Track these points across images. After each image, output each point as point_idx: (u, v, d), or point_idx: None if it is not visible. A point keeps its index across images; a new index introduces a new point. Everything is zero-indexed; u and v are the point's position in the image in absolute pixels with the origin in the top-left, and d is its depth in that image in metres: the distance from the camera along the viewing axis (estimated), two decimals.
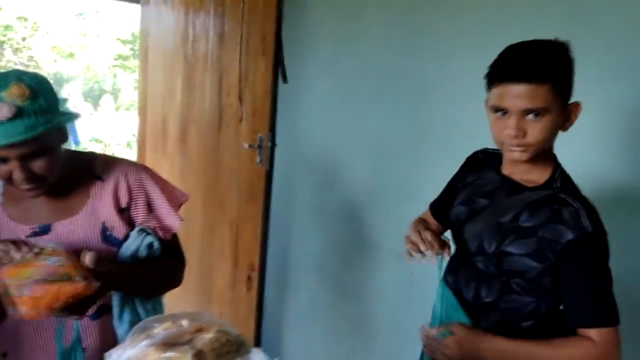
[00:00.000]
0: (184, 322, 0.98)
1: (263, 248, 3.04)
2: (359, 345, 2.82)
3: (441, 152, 2.45)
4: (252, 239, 2.94)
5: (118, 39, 10.62)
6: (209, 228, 2.97)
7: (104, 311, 1.30)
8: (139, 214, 1.34)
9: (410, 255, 1.40)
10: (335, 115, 2.82)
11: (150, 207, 1.34)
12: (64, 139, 1.23)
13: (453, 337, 1.31)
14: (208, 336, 0.95)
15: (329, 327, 2.90)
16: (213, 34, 2.91)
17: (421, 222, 1.54)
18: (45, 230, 1.24)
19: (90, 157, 1.37)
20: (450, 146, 2.39)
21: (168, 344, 0.93)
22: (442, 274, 1.41)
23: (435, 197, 1.69)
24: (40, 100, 1.13)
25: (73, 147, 6.52)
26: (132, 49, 9.97)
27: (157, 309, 1.38)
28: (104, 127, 9.07)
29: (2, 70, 1.19)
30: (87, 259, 1.10)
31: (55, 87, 1.22)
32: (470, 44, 2.24)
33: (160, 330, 0.96)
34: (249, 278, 2.94)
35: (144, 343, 0.93)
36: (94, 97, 10.31)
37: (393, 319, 2.66)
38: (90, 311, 1.17)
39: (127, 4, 3.78)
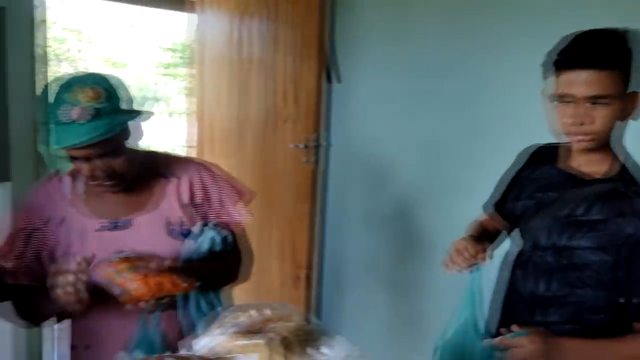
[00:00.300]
0: (267, 311, 1.02)
1: (313, 247, 3.07)
2: (415, 344, 2.80)
3: (495, 149, 2.42)
4: (303, 238, 2.98)
5: (165, 48, 10.89)
6: (262, 227, 3.02)
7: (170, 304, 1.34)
8: (207, 209, 1.38)
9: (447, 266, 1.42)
10: (387, 114, 2.83)
11: (218, 203, 1.39)
12: (128, 136, 1.29)
13: (532, 333, 1.28)
14: (291, 324, 0.99)
15: (384, 326, 2.90)
16: (265, 38, 2.97)
17: (473, 228, 1.57)
18: (117, 225, 1.30)
19: (153, 155, 1.43)
20: (505, 143, 2.35)
21: (252, 332, 0.97)
22: (474, 284, 1.41)
23: (492, 194, 1.68)
24: (113, 102, 1.20)
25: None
26: (181, 57, 10.20)
27: (216, 302, 1.42)
28: (152, 134, 9.32)
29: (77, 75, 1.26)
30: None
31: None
32: (526, 38, 2.22)
33: (243, 319, 1.01)
34: (299, 277, 2.97)
35: (230, 330, 0.97)
36: (142, 105, 10.63)
37: (449, 317, 2.65)
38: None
39: (175, 12, 3.89)
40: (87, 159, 1.20)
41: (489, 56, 2.43)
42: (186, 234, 1.34)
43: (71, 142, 1.14)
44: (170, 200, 1.34)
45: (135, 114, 1.26)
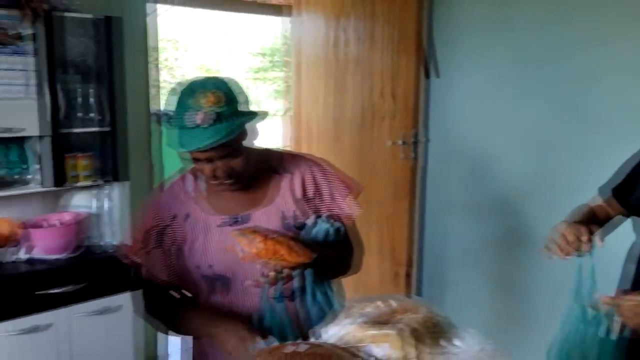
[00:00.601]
0: (393, 303, 1.01)
1: (413, 244, 3.04)
2: (522, 343, 2.70)
3: (608, 140, 2.29)
4: (402, 235, 2.96)
5: (255, 53, 11.25)
6: (360, 225, 3.02)
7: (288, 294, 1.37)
8: (319, 203, 1.41)
9: (549, 250, 1.32)
10: (489, 107, 2.75)
11: (329, 198, 1.42)
12: (246, 137, 1.32)
13: None
14: (418, 316, 0.98)
15: (489, 325, 2.81)
16: (362, 36, 2.98)
17: (580, 214, 1.46)
18: (238, 220, 1.33)
19: (268, 152, 1.47)
20: (619, 134, 2.22)
21: (380, 322, 0.97)
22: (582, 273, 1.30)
23: (611, 178, 1.57)
24: (233, 105, 1.24)
25: None
26: (270, 61, 10.49)
27: (330, 293, 1.43)
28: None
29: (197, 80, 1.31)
30: None
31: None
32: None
33: (371, 309, 1.01)
34: (399, 274, 2.95)
35: (359, 320, 0.98)
36: None
37: (558, 316, 2.52)
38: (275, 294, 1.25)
39: (265, 17, 4.00)
40: (208, 160, 1.25)
41: (602, 41, 2.28)
42: (300, 228, 1.36)
43: (196, 146, 1.19)
44: (285, 195, 1.38)
45: (252, 115, 1.29)
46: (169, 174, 2.89)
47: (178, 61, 10.85)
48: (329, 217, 1.38)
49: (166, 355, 3.06)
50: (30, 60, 2.19)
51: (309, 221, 1.36)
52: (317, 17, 3.22)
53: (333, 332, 0.99)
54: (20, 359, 2.18)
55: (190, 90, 1.23)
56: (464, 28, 2.79)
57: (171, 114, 1.26)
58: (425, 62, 2.86)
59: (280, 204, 1.37)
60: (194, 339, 1.44)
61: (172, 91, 1.29)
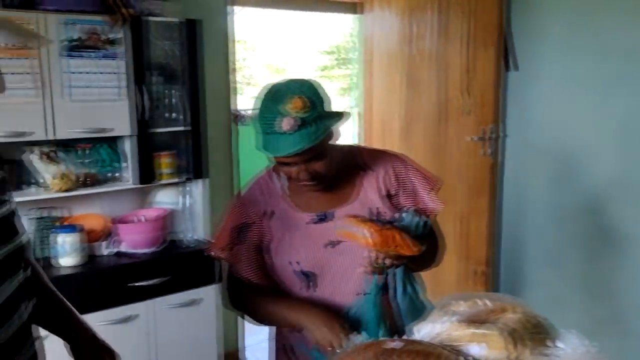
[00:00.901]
0: (487, 301, 0.99)
1: (492, 243, 2.95)
2: (609, 347, 2.57)
3: None
4: (481, 233, 2.88)
5: (322, 51, 11.29)
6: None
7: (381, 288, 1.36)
8: (404, 199, 1.40)
9: None
10: (572, 101, 2.63)
11: (413, 193, 1.41)
12: (331, 138, 1.32)
13: None
14: (517, 316, 0.94)
15: (572, 328, 2.69)
16: (436, 30, 2.93)
17: None
18: (327, 216, 1.33)
19: (354, 149, 1.47)
20: None
21: (477, 321, 0.95)
22: None
23: None
24: (317, 108, 1.23)
25: None
26: (337, 59, 10.52)
27: (417, 287, 1.42)
28: None
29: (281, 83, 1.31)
30: None
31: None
32: None
33: (466, 307, 0.99)
34: (476, 273, 2.88)
35: (453, 318, 0.96)
36: None
37: None
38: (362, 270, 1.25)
39: (331, 15, 4.01)
40: (293, 163, 1.26)
41: None
42: (386, 223, 1.35)
43: (282, 152, 1.20)
44: (371, 191, 1.37)
45: (336, 116, 1.29)
46: (244, 171, 2.98)
47: (246, 61, 11.10)
48: (416, 211, 1.37)
49: (244, 347, 3.14)
50: (120, 64, 2.30)
51: (399, 215, 1.35)
52: (389, 13, 3.20)
53: (428, 330, 0.98)
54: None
55: (275, 95, 1.23)
56: (546, 18, 2.68)
57: (256, 117, 1.27)
58: (505, 55, 2.77)
59: (366, 200, 1.36)
60: (277, 331, 1.45)
61: (257, 96, 1.30)
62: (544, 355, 0.87)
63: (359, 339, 1.04)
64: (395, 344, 0.91)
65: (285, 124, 1.19)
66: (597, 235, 2.56)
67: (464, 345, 0.91)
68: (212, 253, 1.40)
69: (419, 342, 0.92)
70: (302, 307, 1.29)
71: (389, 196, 1.38)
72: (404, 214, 1.35)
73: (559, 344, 0.85)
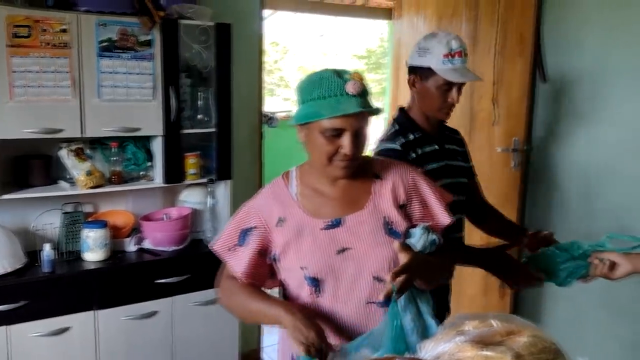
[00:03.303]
0: (494, 323, 0.98)
1: (517, 256, 2.90)
2: None
3: None
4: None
5: (354, 55, 11.28)
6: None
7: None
8: (415, 210, 1.40)
9: None
10: (603, 115, 2.56)
11: (425, 205, 1.41)
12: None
13: None
14: (523, 339, 0.93)
15: (596, 347, 2.63)
16: (465, 39, 2.89)
17: None
18: (337, 223, 1.33)
19: (368, 158, 1.46)
20: None
21: (482, 342, 0.94)
22: None
23: None
24: (368, 86, 1.30)
25: None
26: (367, 64, 10.52)
27: (431, 303, 1.41)
28: None
29: None
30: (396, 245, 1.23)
31: None
32: None
33: (471, 328, 0.98)
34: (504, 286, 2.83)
35: (457, 339, 0.95)
36: None
37: None
38: (381, 297, 1.21)
39: (366, 21, 4.01)
40: (340, 133, 1.25)
41: None
42: (403, 234, 1.36)
43: (350, 110, 1.22)
44: (383, 200, 1.38)
45: (377, 108, 1.33)
46: (269, 173, 3.00)
47: (278, 63, 11.17)
48: (426, 228, 1.36)
49: (262, 347, 3.16)
50: (152, 65, 2.35)
51: (415, 231, 1.35)
52: (418, 20, 3.18)
53: (432, 349, 0.97)
54: (129, 342, 2.35)
55: (328, 71, 1.29)
56: (578, 30, 2.62)
57: (305, 85, 1.31)
58: (535, 66, 2.72)
59: (377, 208, 1.37)
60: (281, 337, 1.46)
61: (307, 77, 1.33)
62: None
63: (345, 348, 1.05)
64: None
65: (351, 87, 1.23)
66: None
67: None
68: (213, 249, 1.41)
69: None
70: (284, 304, 1.29)
71: (401, 206, 1.39)
72: (413, 230, 1.35)
73: None
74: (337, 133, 1.25)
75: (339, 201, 1.37)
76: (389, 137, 1.75)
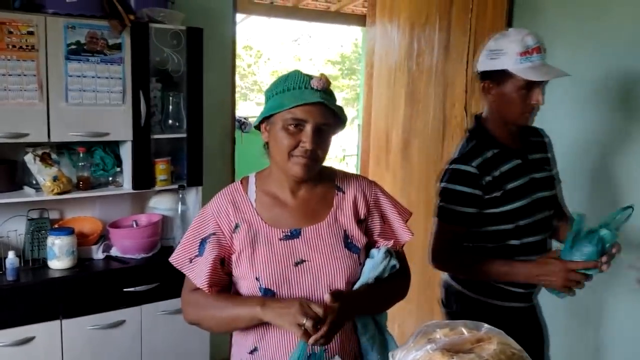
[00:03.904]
0: (464, 330, 0.98)
1: None
2: None
3: None
4: None
5: (328, 61, 11.34)
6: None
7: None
8: (376, 225, 1.39)
9: None
10: (572, 124, 2.62)
11: (385, 220, 1.40)
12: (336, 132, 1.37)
13: None
14: (492, 347, 0.94)
15: (563, 352, 2.67)
16: (438, 47, 2.94)
17: None
18: (296, 234, 1.31)
19: (331, 170, 1.44)
20: None
21: (452, 350, 0.94)
22: None
23: None
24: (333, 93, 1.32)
25: None
26: (341, 69, 10.57)
27: (383, 318, 1.43)
28: None
29: None
30: (327, 298, 1.19)
31: None
32: None
33: (441, 335, 0.98)
34: None
35: (428, 347, 0.95)
36: None
37: (636, 352, 2.36)
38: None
39: (337, 27, 4.03)
40: (301, 124, 1.24)
41: None
42: (363, 249, 1.35)
43: (311, 99, 1.22)
44: (343, 213, 1.36)
45: (344, 116, 1.33)
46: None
47: (251, 67, 11.14)
48: (388, 252, 1.35)
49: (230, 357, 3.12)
50: (121, 69, 2.31)
51: (377, 254, 1.33)
52: (391, 27, 3.21)
53: (400, 356, 0.97)
54: (96, 352, 2.29)
55: (296, 70, 1.32)
56: (548, 40, 2.65)
57: (273, 84, 1.32)
58: None
59: (336, 221, 1.35)
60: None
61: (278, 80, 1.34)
62: None
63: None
64: None
65: (316, 82, 1.26)
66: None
67: None
68: (172, 262, 1.37)
69: None
70: (256, 300, 1.25)
71: (361, 221, 1.38)
72: (374, 251, 1.35)
73: None
74: (298, 124, 1.24)
75: (299, 211, 1.35)
76: (464, 156, 1.64)
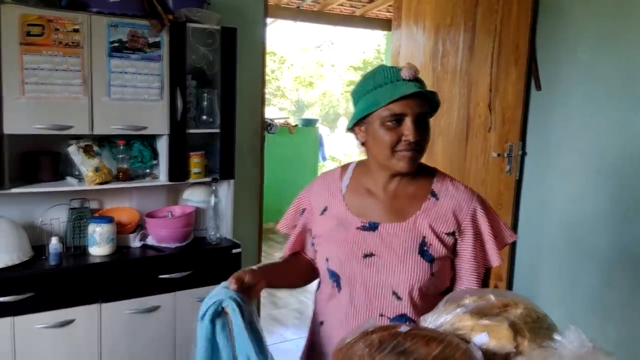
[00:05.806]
0: (492, 297, 1.05)
1: (512, 259, 2.99)
2: None
3: None
4: (502, 252, 2.92)
5: (350, 66, 11.42)
6: None
7: None
8: (465, 242, 1.30)
9: None
10: (594, 122, 2.66)
11: (476, 240, 1.31)
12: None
13: None
14: (519, 311, 1.00)
15: None
16: (463, 48, 3.00)
17: None
18: (373, 227, 1.30)
19: (432, 171, 1.37)
20: None
21: (481, 313, 1.01)
22: None
23: None
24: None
25: (320, 163, 6.95)
26: (362, 75, 10.66)
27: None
28: (339, 147, 9.88)
29: None
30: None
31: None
32: None
33: (470, 301, 1.05)
34: (497, 287, 2.91)
35: (458, 310, 1.02)
36: (329, 120, 11.40)
37: None
38: None
39: (363, 31, 4.11)
40: (401, 118, 1.22)
41: None
42: (430, 257, 1.27)
43: (406, 92, 1.19)
44: (433, 222, 1.29)
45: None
46: (267, 175, 3.10)
47: (274, 73, 11.27)
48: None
49: None
50: (159, 66, 2.42)
51: (434, 253, 1.27)
52: (417, 30, 3.28)
53: (434, 320, 1.04)
54: (132, 335, 2.39)
55: (380, 66, 1.32)
56: (572, 40, 2.73)
57: (360, 85, 1.32)
58: (529, 75, 2.83)
59: (425, 227, 1.28)
60: (309, 337, 1.46)
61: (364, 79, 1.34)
62: (541, 348, 0.93)
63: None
64: (402, 328, 0.98)
65: (406, 72, 1.22)
66: (616, 257, 2.58)
67: (466, 333, 0.98)
68: (279, 229, 1.54)
69: (425, 328, 0.99)
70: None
71: (450, 234, 1.29)
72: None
73: (557, 337, 0.90)
74: (398, 119, 1.22)
75: (384, 206, 1.32)
76: None
